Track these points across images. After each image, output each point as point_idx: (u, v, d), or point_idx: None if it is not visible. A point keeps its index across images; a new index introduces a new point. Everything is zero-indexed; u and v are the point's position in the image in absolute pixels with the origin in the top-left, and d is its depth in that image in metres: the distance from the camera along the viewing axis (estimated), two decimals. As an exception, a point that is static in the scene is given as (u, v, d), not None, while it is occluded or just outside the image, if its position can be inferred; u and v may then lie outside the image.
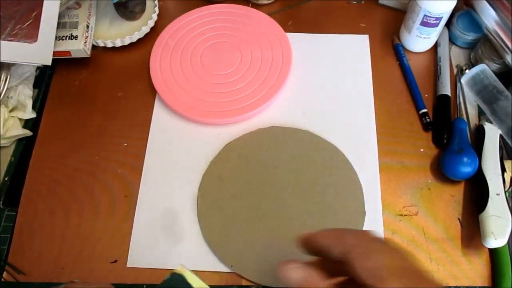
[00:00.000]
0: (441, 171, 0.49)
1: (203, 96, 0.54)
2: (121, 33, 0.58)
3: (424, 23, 0.53)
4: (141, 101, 0.56)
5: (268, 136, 0.52)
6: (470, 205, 0.48)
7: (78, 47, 0.54)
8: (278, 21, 0.59)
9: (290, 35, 0.58)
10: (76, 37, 0.55)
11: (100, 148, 0.53)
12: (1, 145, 0.53)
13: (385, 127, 0.53)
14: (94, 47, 0.59)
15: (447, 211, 0.48)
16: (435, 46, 0.58)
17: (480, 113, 0.54)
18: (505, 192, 0.46)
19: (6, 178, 0.52)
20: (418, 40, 0.56)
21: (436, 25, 0.53)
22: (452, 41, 0.59)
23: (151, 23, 0.59)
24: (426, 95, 0.55)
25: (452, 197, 0.49)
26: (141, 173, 0.51)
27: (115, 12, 0.58)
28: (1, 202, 0.50)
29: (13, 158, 0.53)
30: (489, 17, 0.53)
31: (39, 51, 0.51)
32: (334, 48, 0.59)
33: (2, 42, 0.49)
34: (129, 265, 0.46)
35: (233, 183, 0.50)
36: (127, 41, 0.58)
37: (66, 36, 0.55)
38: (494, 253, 0.45)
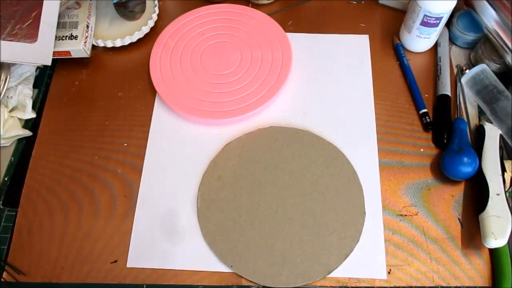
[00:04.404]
0: (441, 171, 0.49)
1: (203, 96, 0.54)
2: (121, 33, 0.58)
3: (424, 23, 0.53)
4: (141, 101, 0.56)
5: (268, 136, 0.52)
6: (470, 205, 0.48)
7: (78, 47, 0.54)
8: (278, 21, 0.59)
9: (290, 35, 0.58)
10: (76, 37, 0.55)
11: (100, 148, 0.53)
12: (1, 145, 0.53)
13: (385, 127, 0.53)
14: (94, 47, 0.59)
15: (447, 211, 0.48)
16: (435, 46, 0.58)
17: (480, 113, 0.53)
18: (505, 192, 0.46)
19: (6, 178, 0.52)
20: (418, 40, 0.56)
21: (436, 25, 0.53)
22: (452, 41, 0.59)
23: (151, 23, 0.59)
24: (426, 95, 0.55)
25: (452, 197, 0.49)
26: (141, 173, 0.51)
27: (115, 12, 0.58)
28: (1, 202, 0.50)
29: (13, 158, 0.53)
30: (489, 17, 0.53)
31: (39, 51, 0.51)
32: (334, 48, 0.59)
33: (2, 42, 0.49)
34: (129, 265, 0.46)
35: (233, 183, 0.50)
36: (127, 41, 0.58)
37: (66, 36, 0.55)
38: (494, 253, 0.45)
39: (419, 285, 0.45)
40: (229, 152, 0.51)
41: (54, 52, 0.53)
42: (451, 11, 0.52)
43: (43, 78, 0.58)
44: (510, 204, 0.45)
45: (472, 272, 0.45)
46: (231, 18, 0.60)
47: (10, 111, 0.54)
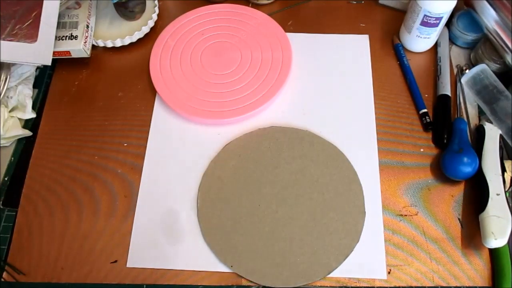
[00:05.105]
0: (441, 171, 0.49)
1: (203, 96, 0.54)
2: (121, 33, 0.58)
3: (424, 23, 0.53)
4: (141, 101, 0.56)
5: (268, 136, 0.52)
6: (470, 205, 0.48)
7: (78, 47, 0.54)
8: (278, 21, 0.59)
9: (290, 35, 0.58)
10: (76, 37, 0.55)
11: (100, 148, 0.53)
12: (1, 145, 0.53)
13: (385, 127, 0.53)
14: (94, 47, 0.59)
15: (447, 211, 0.48)
16: (435, 46, 0.58)
17: (480, 113, 0.53)
18: (505, 192, 0.46)
19: (6, 178, 0.52)
20: (418, 40, 0.56)
21: (436, 25, 0.53)
22: (452, 41, 0.59)
23: (151, 23, 0.59)
24: (426, 95, 0.55)
25: (452, 197, 0.49)
26: (141, 173, 0.51)
27: (115, 12, 0.58)
28: (1, 202, 0.50)
29: (13, 158, 0.53)
30: (489, 17, 0.53)
31: (39, 51, 0.51)
32: (334, 48, 0.59)
33: (2, 42, 0.49)
34: (129, 265, 0.46)
35: (233, 183, 0.50)
36: (127, 41, 0.58)
37: (66, 36, 0.55)
38: (494, 253, 0.45)
39: (419, 285, 0.45)
40: (229, 152, 0.51)
41: (54, 52, 0.53)
42: (451, 11, 0.52)
43: (43, 78, 0.58)
44: (510, 204, 0.45)
45: (472, 272, 0.45)
46: (231, 18, 0.60)
47: (10, 111, 0.54)
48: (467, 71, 0.55)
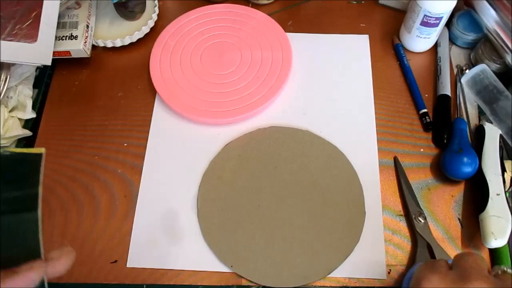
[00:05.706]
0: (441, 171, 0.49)
1: (203, 96, 0.54)
2: (121, 33, 0.58)
3: (424, 23, 0.53)
4: (141, 101, 0.56)
5: (268, 136, 0.52)
6: (470, 205, 0.48)
7: (78, 47, 0.54)
8: (278, 21, 0.59)
9: (290, 35, 0.58)
10: (76, 37, 0.55)
11: (100, 148, 0.53)
12: (1, 145, 0.53)
13: (385, 127, 0.53)
14: (94, 47, 0.59)
15: (447, 211, 0.48)
16: (435, 46, 0.58)
17: (480, 113, 0.53)
18: (505, 192, 0.46)
19: (6, 178, 0.52)
20: (418, 40, 0.56)
21: (436, 25, 0.53)
22: (452, 41, 0.59)
23: (151, 23, 0.59)
24: (426, 95, 0.55)
25: (452, 197, 0.49)
26: (141, 173, 0.51)
27: (115, 12, 0.58)
28: (1, 202, 0.50)
29: (13, 158, 0.53)
30: (489, 17, 0.53)
31: (39, 51, 0.51)
32: (334, 48, 0.59)
33: (2, 42, 0.49)
34: (129, 265, 0.46)
35: (233, 183, 0.50)
36: (127, 41, 0.58)
37: (66, 36, 0.55)
38: (494, 253, 0.45)
39: (419, 285, 0.45)
40: (229, 152, 0.51)
41: (54, 52, 0.53)
42: (451, 11, 0.52)
43: (43, 78, 0.58)
44: (510, 204, 0.45)
45: (472, 272, 0.45)
46: (231, 18, 0.60)
47: (10, 111, 0.54)
48: (467, 71, 0.55)
